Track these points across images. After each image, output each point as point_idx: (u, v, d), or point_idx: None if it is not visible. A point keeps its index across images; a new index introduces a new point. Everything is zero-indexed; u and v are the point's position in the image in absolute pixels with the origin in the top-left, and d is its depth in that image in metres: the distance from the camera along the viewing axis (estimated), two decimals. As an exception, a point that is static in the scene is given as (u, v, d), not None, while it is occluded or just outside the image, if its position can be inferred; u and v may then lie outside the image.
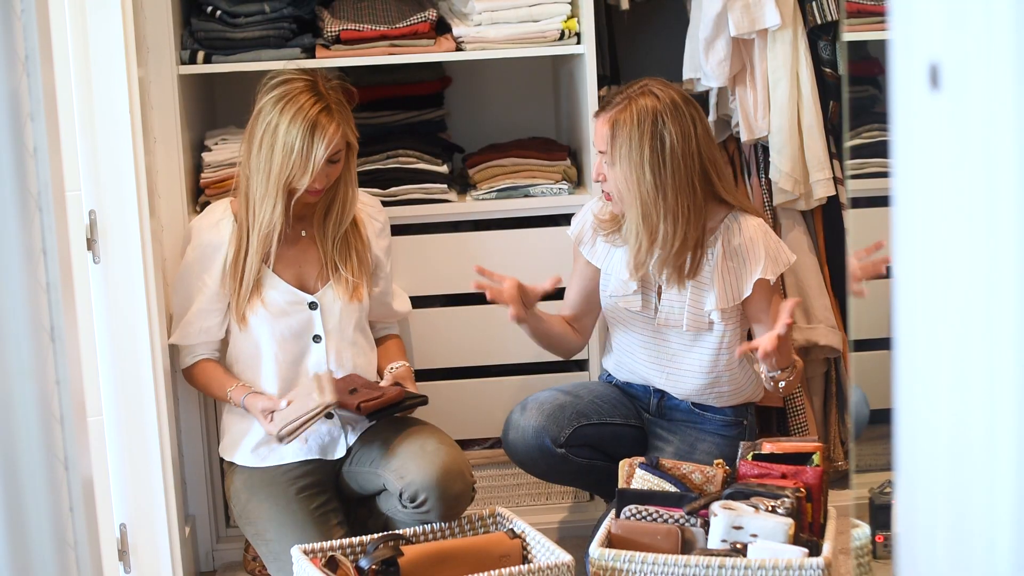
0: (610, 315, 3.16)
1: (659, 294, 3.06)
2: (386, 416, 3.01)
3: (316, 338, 3.07)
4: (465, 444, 3.56)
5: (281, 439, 2.93)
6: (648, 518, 2.72)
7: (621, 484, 2.87)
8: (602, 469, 3.13)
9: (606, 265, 3.11)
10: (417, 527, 2.89)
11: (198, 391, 3.25)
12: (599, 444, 3.12)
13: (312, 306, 3.06)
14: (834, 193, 3.42)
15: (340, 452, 3.08)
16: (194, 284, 3.07)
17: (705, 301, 3.01)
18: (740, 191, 3.32)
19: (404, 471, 2.94)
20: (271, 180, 2.96)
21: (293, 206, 2.99)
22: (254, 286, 3.02)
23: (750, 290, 3.00)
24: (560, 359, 3.32)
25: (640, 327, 3.10)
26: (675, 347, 3.08)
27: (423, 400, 3.07)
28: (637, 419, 3.17)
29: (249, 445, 3.07)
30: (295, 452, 3.06)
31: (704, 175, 2.95)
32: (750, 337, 3.12)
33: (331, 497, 3.06)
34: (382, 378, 3.15)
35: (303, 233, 3.08)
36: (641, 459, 2.86)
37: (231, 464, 3.12)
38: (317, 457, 3.07)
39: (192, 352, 3.12)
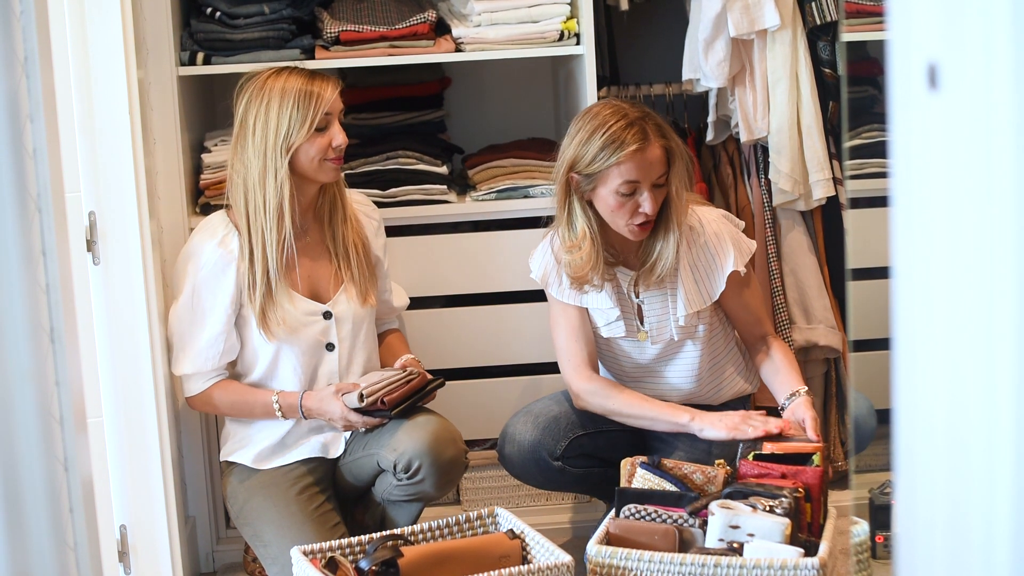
0: (596, 343, 3.14)
1: (639, 315, 3.05)
2: (410, 405, 2.97)
3: (329, 346, 3.06)
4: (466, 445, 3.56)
5: (362, 399, 2.90)
6: (647, 517, 2.72)
7: (623, 483, 2.87)
8: (599, 476, 3.13)
9: (579, 301, 3.04)
10: (415, 526, 2.89)
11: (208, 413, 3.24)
12: (595, 452, 3.11)
13: (327, 315, 3.04)
14: (833, 193, 3.43)
15: (340, 449, 3.08)
16: (207, 305, 2.98)
17: (679, 306, 3.00)
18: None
19: (397, 443, 2.93)
20: (268, 148, 2.90)
21: (303, 201, 2.98)
22: (272, 299, 2.96)
23: (723, 285, 3.00)
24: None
25: (627, 349, 3.08)
26: (662, 359, 3.07)
27: (442, 382, 3.05)
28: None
29: (253, 451, 3.07)
30: (298, 452, 3.06)
31: None
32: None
33: (329, 497, 3.06)
34: None
35: (306, 239, 3.05)
36: (643, 458, 2.86)
37: (229, 465, 3.11)
38: (319, 455, 3.07)
39: (207, 376, 3.03)
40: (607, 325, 3.04)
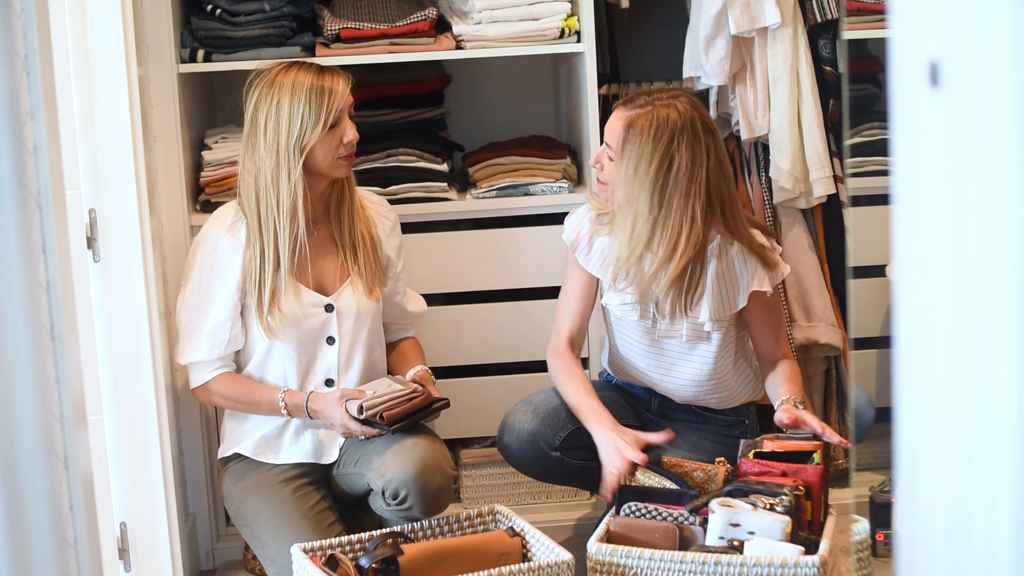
0: (609, 320, 3.14)
1: (657, 305, 3.04)
2: (411, 422, 2.94)
3: (330, 340, 3.04)
4: (465, 442, 3.56)
5: (361, 411, 2.88)
6: (647, 515, 2.72)
7: (623, 481, 2.86)
8: (598, 469, 3.12)
9: (602, 273, 3.03)
10: (415, 524, 2.89)
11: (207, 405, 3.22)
12: (594, 445, 3.11)
13: (328, 308, 3.03)
14: (834, 191, 3.43)
15: (333, 456, 3.06)
16: (214, 291, 2.97)
17: (700, 312, 2.99)
18: (750, 228, 3.05)
19: (385, 469, 2.92)
20: (281, 148, 2.88)
21: (314, 196, 2.96)
22: (276, 291, 2.95)
23: (745, 301, 2.98)
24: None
25: (639, 335, 3.07)
26: (673, 355, 3.06)
27: (446, 403, 3.02)
28: (635, 418, 3.16)
29: (250, 443, 3.06)
30: (291, 454, 3.05)
31: (708, 206, 2.85)
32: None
33: (325, 496, 3.04)
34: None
35: (315, 232, 3.02)
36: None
37: (224, 464, 3.10)
38: (311, 461, 3.06)
39: (212, 365, 3.01)
40: (621, 305, 3.03)
